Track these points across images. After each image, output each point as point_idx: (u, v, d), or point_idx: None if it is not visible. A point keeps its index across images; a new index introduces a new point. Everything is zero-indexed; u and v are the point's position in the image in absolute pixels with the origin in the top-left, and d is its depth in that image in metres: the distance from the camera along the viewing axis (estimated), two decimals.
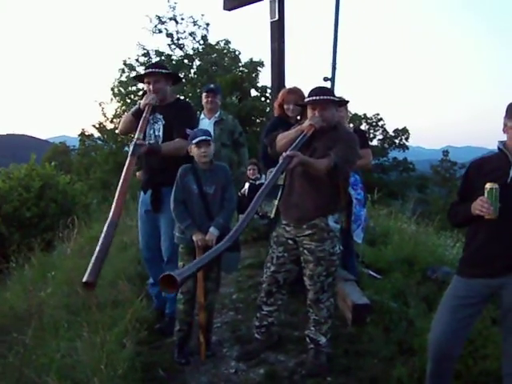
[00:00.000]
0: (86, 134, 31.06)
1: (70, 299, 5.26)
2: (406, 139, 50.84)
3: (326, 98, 4.28)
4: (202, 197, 4.47)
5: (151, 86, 4.90)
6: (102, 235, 3.23)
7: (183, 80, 25.04)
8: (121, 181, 3.83)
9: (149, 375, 4.20)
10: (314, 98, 4.29)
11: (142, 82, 5.10)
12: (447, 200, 37.93)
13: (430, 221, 9.79)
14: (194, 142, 4.44)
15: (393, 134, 51.23)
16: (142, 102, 4.87)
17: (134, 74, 29.34)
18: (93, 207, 13.98)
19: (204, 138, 4.45)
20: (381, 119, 50.63)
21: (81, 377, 3.73)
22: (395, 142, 51.18)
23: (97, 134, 30.42)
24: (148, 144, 4.62)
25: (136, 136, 4.46)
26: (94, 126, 29.98)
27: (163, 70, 4.99)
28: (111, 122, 29.78)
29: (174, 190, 4.50)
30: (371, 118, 49.62)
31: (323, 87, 4.62)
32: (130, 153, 4.22)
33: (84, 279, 2.91)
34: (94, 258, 3.04)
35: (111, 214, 3.45)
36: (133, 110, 5.05)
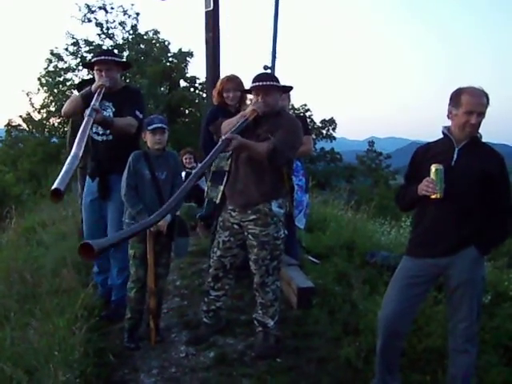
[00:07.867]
0: (13, 124, 30.26)
1: (16, 288, 5.17)
2: (334, 130, 51.15)
3: (268, 84, 4.36)
4: (154, 182, 4.49)
5: (103, 74, 4.82)
6: (68, 160, 3.27)
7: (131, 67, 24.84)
8: (79, 133, 3.78)
9: (100, 361, 4.19)
10: (258, 83, 4.36)
11: (92, 70, 5.03)
12: (374, 190, 38.72)
13: (367, 207, 10.01)
14: (149, 128, 4.46)
15: (320, 125, 51.51)
16: (95, 84, 4.77)
17: (61, 63, 28.79)
18: (24, 198, 13.69)
19: (160, 125, 4.47)
20: (308, 110, 50.80)
21: (34, 363, 3.71)
22: (322, 133, 51.47)
23: (24, 125, 29.71)
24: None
25: (92, 103, 4.38)
26: (20, 116, 29.32)
27: (116, 58, 4.96)
28: (39, 112, 29.18)
29: (126, 175, 4.47)
30: (298, 109, 49.74)
31: (268, 73, 4.70)
32: (87, 114, 4.16)
33: (54, 186, 2.92)
34: (63, 172, 3.08)
35: (74, 147, 3.47)
36: (83, 92, 4.94)
